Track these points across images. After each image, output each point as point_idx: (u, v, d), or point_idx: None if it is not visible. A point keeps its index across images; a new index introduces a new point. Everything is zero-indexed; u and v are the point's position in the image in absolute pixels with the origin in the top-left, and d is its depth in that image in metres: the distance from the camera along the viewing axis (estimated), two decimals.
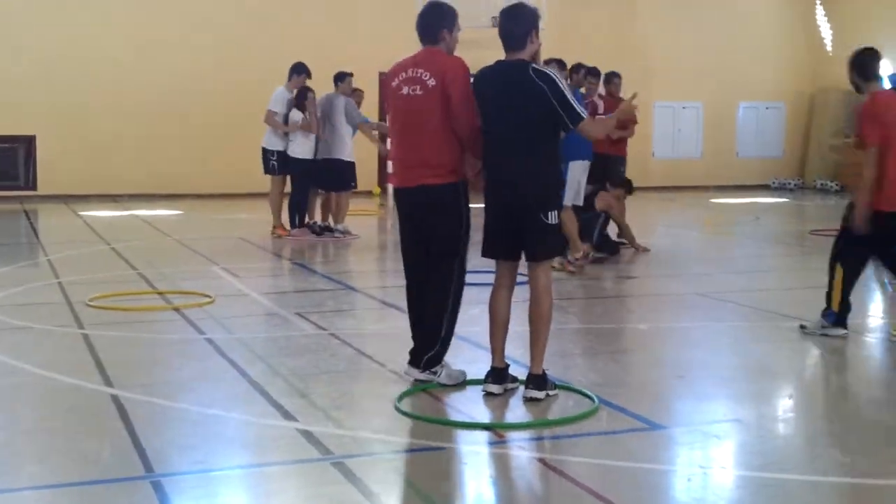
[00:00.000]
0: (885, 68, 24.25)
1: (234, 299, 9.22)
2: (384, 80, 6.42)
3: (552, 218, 5.85)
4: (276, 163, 13.52)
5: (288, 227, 13.56)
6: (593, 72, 12.41)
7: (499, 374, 6.01)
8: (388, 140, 10.38)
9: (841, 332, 7.61)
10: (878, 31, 23.48)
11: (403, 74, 6.17)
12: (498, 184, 5.91)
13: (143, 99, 19.65)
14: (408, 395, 6.00)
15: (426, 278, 6.21)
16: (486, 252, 6.05)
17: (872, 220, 7.14)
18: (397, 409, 5.73)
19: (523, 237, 5.87)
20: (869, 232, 7.19)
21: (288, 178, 13.72)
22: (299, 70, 13.63)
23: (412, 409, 5.78)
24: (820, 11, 24.99)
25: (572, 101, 5.82)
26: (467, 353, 7.15)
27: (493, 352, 6.04)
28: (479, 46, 16.89)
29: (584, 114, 5.90)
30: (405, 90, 6.11)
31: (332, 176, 13.30)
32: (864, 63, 7.49)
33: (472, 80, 6.04)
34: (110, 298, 8.92)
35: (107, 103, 19.56)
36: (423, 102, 6.03)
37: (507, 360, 6.06)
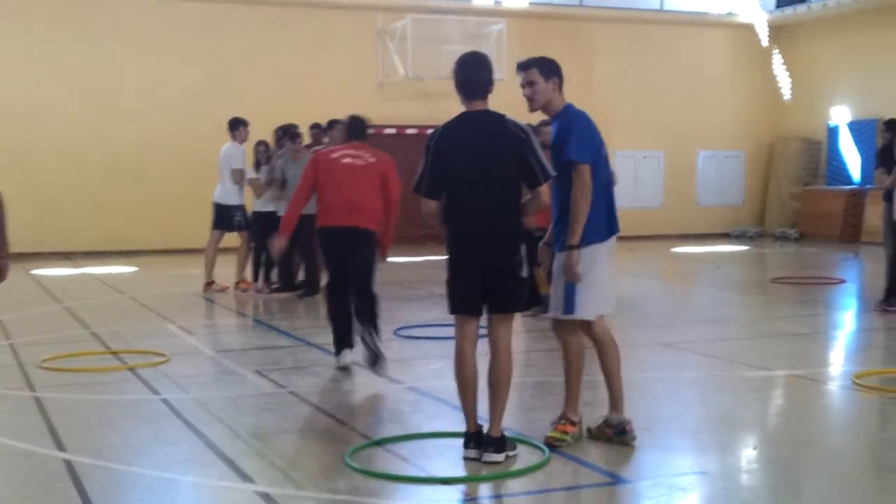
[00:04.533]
0: (841, 116, 24.62)
1: (190, 358, 9.07)
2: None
3: (524, 270, 5.79)
4: (242, 218, 13.48)
5: (251, 280, 13.56)
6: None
7: (477, 438, 5.78)
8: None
9: None
10: (835, 80, 23.87)
11: (342, 152, 8.32)
12: (472, 236, 5.75)
13: (95, 155, 19.56)
14: (360, 450, 5.89)
15: (347, 279, 8.13)
16: (458, 308, 5.82)
17: None
18: (348, 464, 5.61)
19: (494, 289, 5.74)
20: None
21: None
22: (243, 122, 13.67)
23: (368, 466, 5.65)
24: (778, 60, 25.34)
25: (544, 159, 5.76)
26: (429, 408, 7.07)
27: (467, 415, 5.80)
28: (440, 98, 16.88)
29: (553, 173, 5.82)
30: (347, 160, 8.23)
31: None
32: None
33: (435, 135, 5.84)
34: (63, 359, 8.74)
35: (58, 160, 19.43)
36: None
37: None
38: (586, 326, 6.10)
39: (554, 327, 6.08)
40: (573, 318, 5.94)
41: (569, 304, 5.90)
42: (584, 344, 6.04)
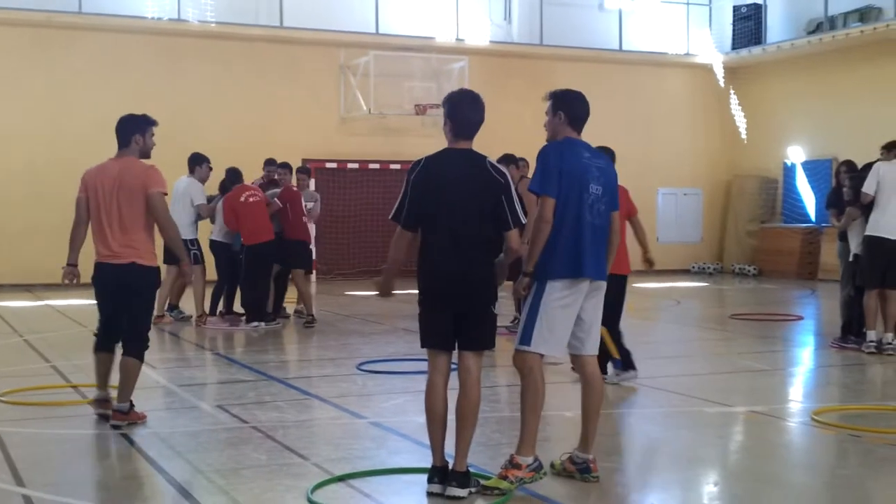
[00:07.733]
0: (797, 156, 24.90)
1: (152, 392, 8.99)
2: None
3: (496, 308, 5.83)
4: (198, 252, 13.53)
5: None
6: (284, 165, 14.15)
7: (442, 473, 5.75)
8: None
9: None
10: (790, 120, 24.24)
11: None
12: (448, 272, 5.74)
13: (57, 187, 19.36)
14: (323, 486, 5.86)
15: None
16: (429, 342, 5.84)
17: None
18: (311, 500, 5.58)
19: (468, 326, 5.75)
20: None
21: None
22: (203, 160, 13.86)
23: (331, 502, 5.63)
24: (734, 100, 25.70)
25: (517, 205, 5.79)
26: (392, 444, 7.06)
27: (434, 450, 5.79)
28: (402, 133, 16.77)
29: (524, 220, 5.87)
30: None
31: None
32: None
33: (417, 167, 5.82)
34: (22, 393, 8.65)
35: (19, 192, 19.29)
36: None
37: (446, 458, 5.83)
38: (576, 362, 6.16)
39: (513, 358, 6.10)
40: (526, 351, 5.93)
41: (525, 336, 5.92)
42: (541, 380, 5.94)
